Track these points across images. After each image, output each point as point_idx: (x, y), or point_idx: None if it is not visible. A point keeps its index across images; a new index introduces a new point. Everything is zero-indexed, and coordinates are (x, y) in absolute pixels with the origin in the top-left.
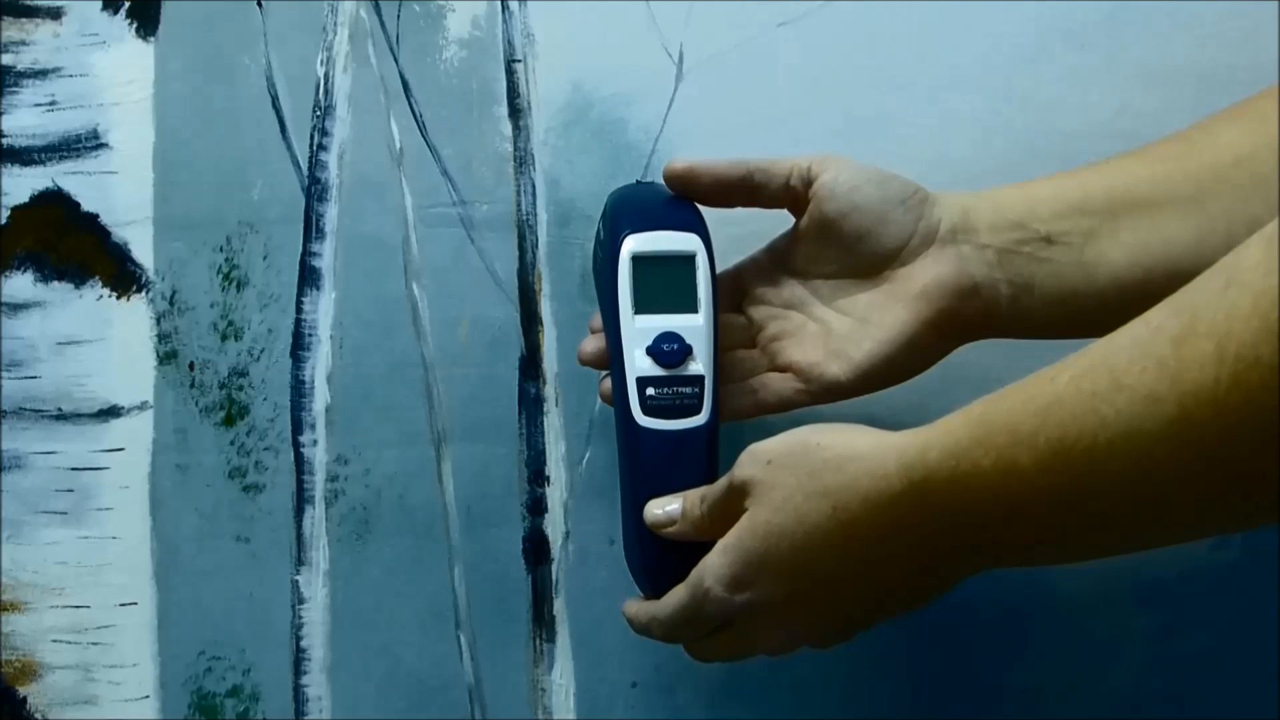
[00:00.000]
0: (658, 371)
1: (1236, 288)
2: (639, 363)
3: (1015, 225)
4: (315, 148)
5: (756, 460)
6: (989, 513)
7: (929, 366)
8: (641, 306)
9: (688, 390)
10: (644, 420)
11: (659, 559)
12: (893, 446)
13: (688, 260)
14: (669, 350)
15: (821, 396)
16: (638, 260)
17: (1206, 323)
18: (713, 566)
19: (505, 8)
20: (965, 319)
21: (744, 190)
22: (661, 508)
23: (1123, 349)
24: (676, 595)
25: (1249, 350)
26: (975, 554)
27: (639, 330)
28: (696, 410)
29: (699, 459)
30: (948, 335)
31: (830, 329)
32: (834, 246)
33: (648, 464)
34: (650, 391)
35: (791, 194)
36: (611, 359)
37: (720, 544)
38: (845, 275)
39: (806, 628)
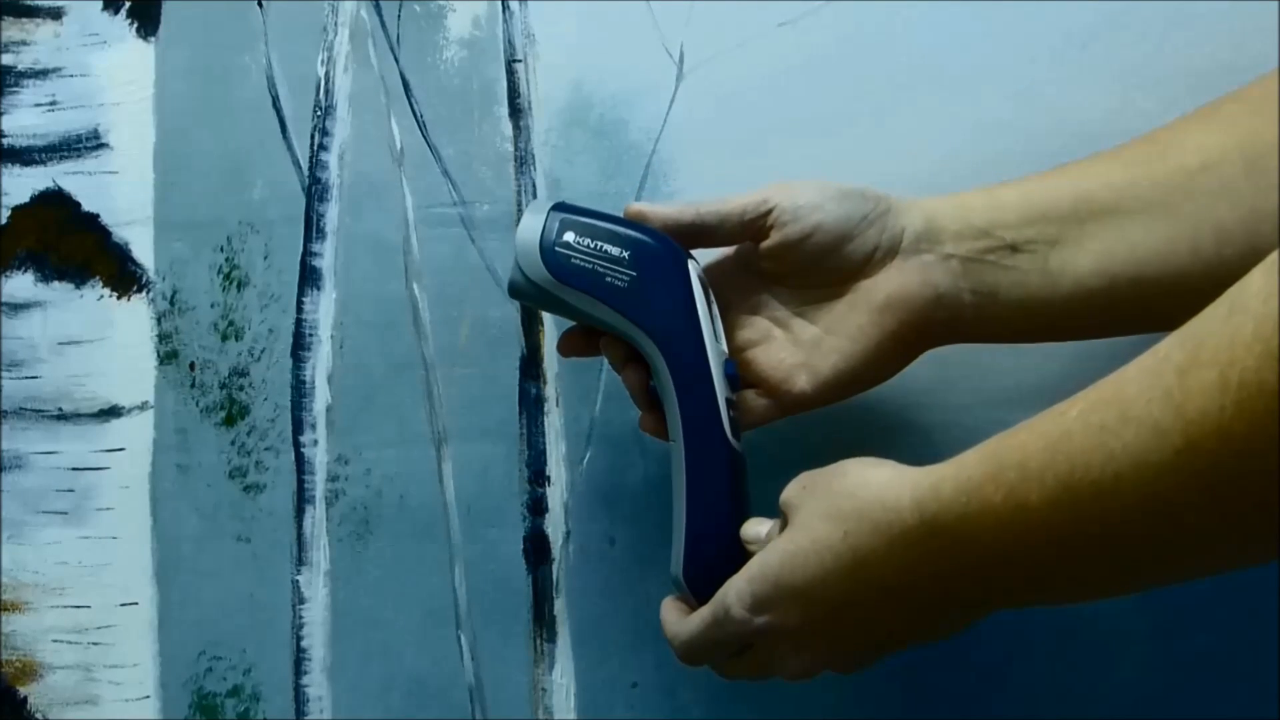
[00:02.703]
0: (730, 395)
1: (1240, 315)
2: (721, 385)
3: (981, 233)
4: (316, 148)
5: (797, 484)
6: (1000, 548)
7: (895, 374)
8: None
9: (735, 415)
10: (734, 443)
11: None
12: (908, 480)
13: (705, 290)
14: (734, 375)
15: (790, 409)
16: (702, 284)
17: (1210, 351)
18: (735, 586)
19: (506, 8)
20: (929, 329)
21: (695, 233)
22: (755, 527)
23: (1131, 381)
24: (700, 615)
25: (1252, 376)
26: (988, 590)
27: (719, 352)
28: (738, 435)
29: (745, 482)
30: (912, 345)
31: (796, 338)
32: (798, 264)
33: (738, 485)
34: (731, 414)
35: (749, 228)
36: (685, 378)
37: (746, 565)
38: (810, 287)
39: (823, 655)
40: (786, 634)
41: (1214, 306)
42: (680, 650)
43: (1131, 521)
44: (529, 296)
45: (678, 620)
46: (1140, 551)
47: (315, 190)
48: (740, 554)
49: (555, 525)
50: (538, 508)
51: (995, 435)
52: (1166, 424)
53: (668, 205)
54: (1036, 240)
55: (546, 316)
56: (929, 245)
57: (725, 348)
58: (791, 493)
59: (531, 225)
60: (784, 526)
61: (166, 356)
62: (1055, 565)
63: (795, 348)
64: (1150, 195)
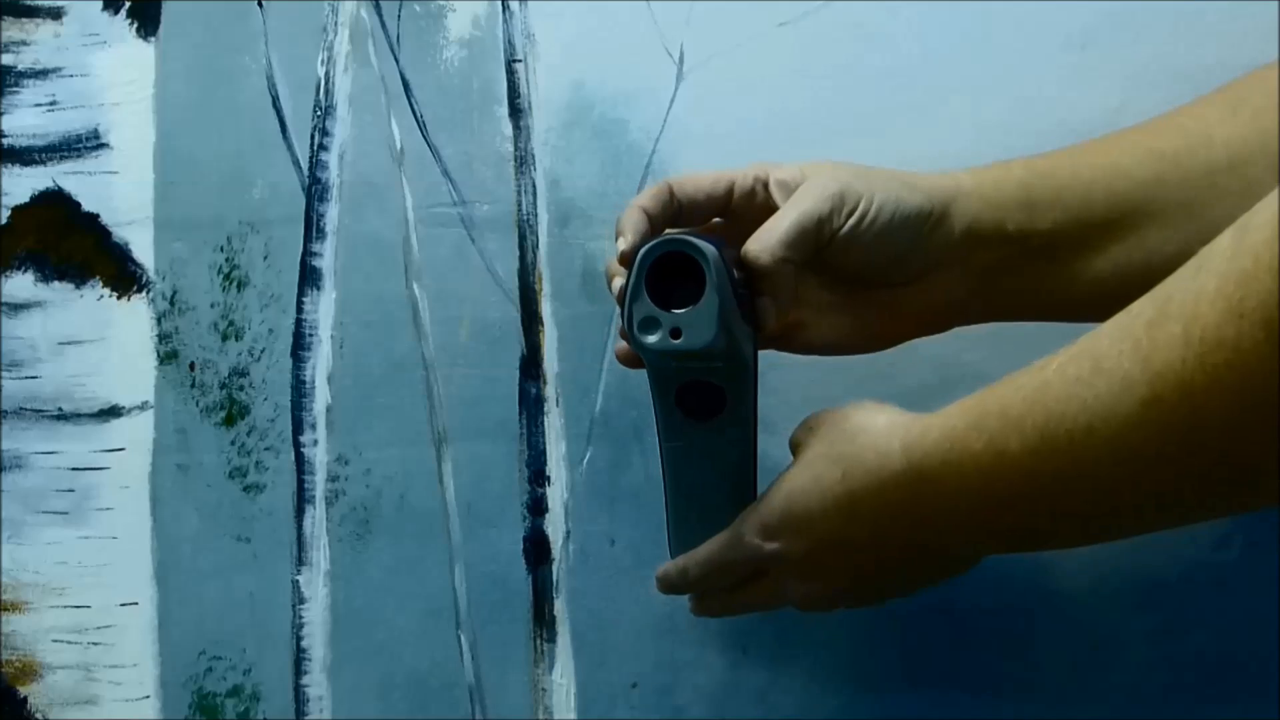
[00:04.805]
0: None
1: (1205, 273)
2: None
3: (1011, 240)
4: (316, 148)
5: (804, 426)
6: (982, 494)
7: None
8: None
9: None
10: None
11: None
12: (900, 426)
13: None
14: None
15: (770, 346)
16: None
17: (1176, 306)
18: (750, 515)
19: (505, 8)
20: (935, 328)
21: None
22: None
23: (1106, 335)
24: (717, 539)
25: (1213, 332)
26: (972, 534)
27: None
28: None
29: None
30: (914, 336)
31: (807, 297)
32: (841, 272)
33: None
34: None
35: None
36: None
37: (756, 500)
38: (841, 281)
39: (828, 586)
40: (793, 561)
41: (1185, 266)
42: (695, 573)
43: (1104, 469)
44: (711, 358)
45: (685, 555)
46: (1115, 498)
47: (315, 190)
48: None
49: (555, 525)
50: (538, 508)
51: (981, 389)
52: (1134, 376)
53: (778, 233)
54: (1063, 246)
55: (546, 316)
56: (963, 255)
57: None
58: (799, 434)
59: (720, 265)
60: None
61: (166, 356)
62: (1035, 511)
63: (801, 305)
64: (1177, 196)
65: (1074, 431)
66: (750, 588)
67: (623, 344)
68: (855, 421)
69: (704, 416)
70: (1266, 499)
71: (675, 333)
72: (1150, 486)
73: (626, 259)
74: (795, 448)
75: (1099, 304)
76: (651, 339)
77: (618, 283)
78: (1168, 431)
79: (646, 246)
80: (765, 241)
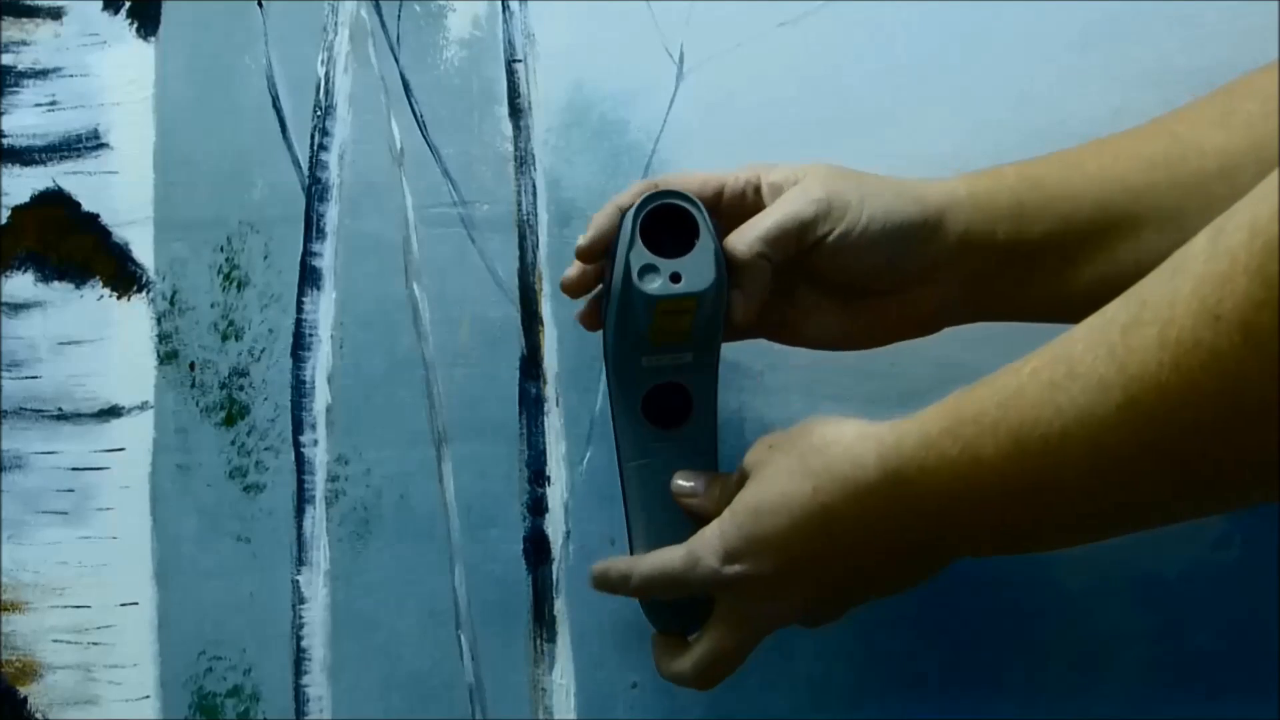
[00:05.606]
0: None
1: (1180, 275)
2: None
3: (1002, 250)
4: (316, 148)
5: (761, 445)
6: (958, 500)
7: None
8: None
9: None
10: None
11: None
12: (873, 436)
13: None
14: None
15: (760, 334)
16: None
17: (1151, 310)
18: (709, 538)
19: (506, 8)
20: (923, 332)
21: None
22: (688, 481)
23: (1080, 339)
24: (669, 555)
25: (1188, 335)
26: (950, 541)
27: None
28: None
29: None
30: (902, 339)
31: (793, 297)
32: (830, 276)
33: None
34: None
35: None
36: (714, 406)
37: (716, 519)
38: (826, 292)
39: (797, 603)
40: (760, 581)
41: (1160, 268)
42: (636, 581)
43: (1079, 473)
44: (702, 314)
45: (621, 557)
46: (1092, 501)
47: (315, 190)
48: None
49: (555, 525)
50: (538, 508)
51: (955, 392)
52: (1109, 380)
53: (758, 230)
54: (1053, 254)
55: (547, 316)
56: (956, 262)
57: None
58: (758, 453)
59: (708, 223)
60: (740, 481)
61: (166, 356)
62: (1012, 515)
63: (786, 304)
64: (1167, 202)
65: (1049, 436)
66: (707, 641)
67: (585, 308)
68: (822, 435)
69: (670, 424)
70: (1245, 499)
71: (675, 277)
72: (1127, 488)
73: (581, 254)
74: (752, 467)
75: (1090, 308)
76: (653, 286)
77: (569, 272)
78: (1143, 434)
79: (640, 200)
80: (744, 235)
